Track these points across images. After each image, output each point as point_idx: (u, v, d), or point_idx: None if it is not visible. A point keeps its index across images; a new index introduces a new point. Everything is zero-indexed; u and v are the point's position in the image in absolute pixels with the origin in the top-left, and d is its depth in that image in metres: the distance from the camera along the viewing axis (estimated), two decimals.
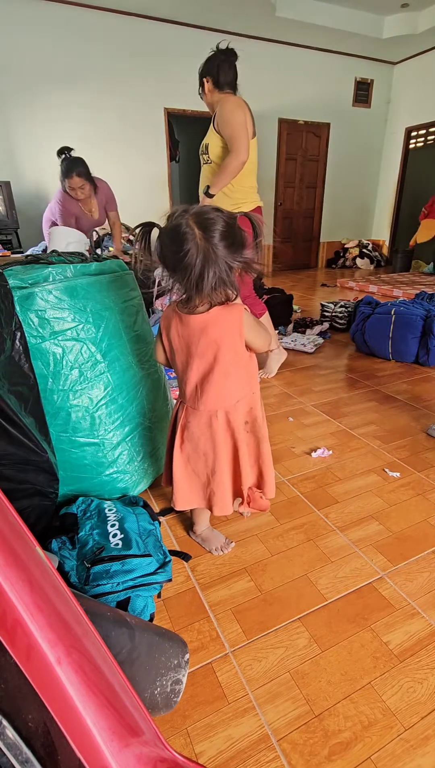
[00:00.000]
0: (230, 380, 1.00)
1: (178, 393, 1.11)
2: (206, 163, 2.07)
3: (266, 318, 2.28)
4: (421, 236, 5.28)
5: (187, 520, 1.33)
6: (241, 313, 0.94)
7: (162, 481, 1.20)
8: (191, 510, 1.24)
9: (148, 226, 0.88)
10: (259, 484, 1.16)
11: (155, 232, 0.89)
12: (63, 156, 2.72)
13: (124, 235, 4.37)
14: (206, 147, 2.05)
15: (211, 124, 2.03)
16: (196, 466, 1.10)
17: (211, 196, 1.99)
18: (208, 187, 1.99)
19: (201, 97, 2.11)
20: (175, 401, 1.90)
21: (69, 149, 2.70)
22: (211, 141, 2.03)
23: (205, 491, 1.12)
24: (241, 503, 1.17)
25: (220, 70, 2.03)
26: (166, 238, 0.85)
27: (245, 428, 1.08)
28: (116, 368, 1.28)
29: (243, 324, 0.94)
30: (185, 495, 1.13)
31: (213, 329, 0.93)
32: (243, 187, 2.07)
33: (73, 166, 2.69)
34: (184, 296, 0.92)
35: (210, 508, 1.12)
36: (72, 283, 1.17)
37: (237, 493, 1.14)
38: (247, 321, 0.95)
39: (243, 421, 1.07)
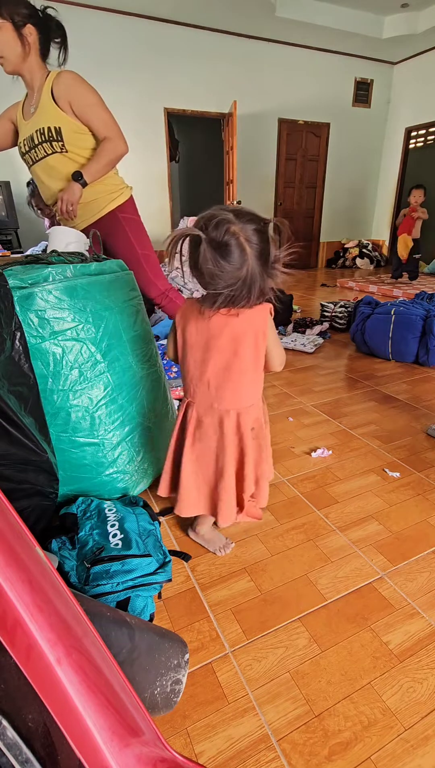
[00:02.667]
0: (246, 380, 1.00)
1: (183, 392, 1.10)
2: (59, 152, 1.60)
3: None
4: (401, 251, 5.28)
5: (187, 520, 1.33)
6: (266, 313, 0.94)
7: (160, 490, 1.15)
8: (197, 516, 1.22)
9: (188, 235, 0.83)
10: (254, 493, 1.15)
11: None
12: (28, 184, 2.83)
13: None
14: (56, 132, 1.56)
15: (51, 100, 1.55)
16: (207, 469, 1.08)
17: (85, 184, 1.59)
18: (80, 173, 1.58)
19: None
20: (175, 401, 1.91)
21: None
22: (64, 124, 1.57)
23: (213, 496, 1.10)
24: (239, 511, 1.15)
25: (51, 31, 1.55)
26: (216, 251, 0.81)
27: (252, 434, 1.07)
28: (116, 368, 1.28)
29: (267, 324, 0.95)
30: (192, 500, 1.10)
31: (238, 324, 0.93)
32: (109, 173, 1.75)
33: (32, 194, 2.81)
34: (220, 304, 0.89)
35: (214, 515, 1.11)
36: (72, 283, 1.17)
37: (237, 500, 1.12)
38: (271, 325, 0.96)
39: (250, 426, 1.06)
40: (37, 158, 1.64)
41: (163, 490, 1.16)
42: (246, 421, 1.04)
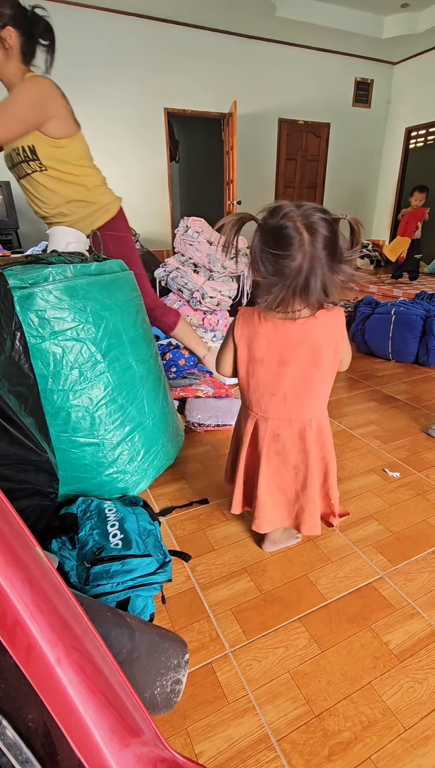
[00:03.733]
0: (326, 388, 0.97)
1: (248, 407, 1.03)
2: (39, 171, 1.51)
3: (184, 324, 2.05)
4: (391, 253, 5.21)
5: (187, 520, 1.33)
6: (343, 318, 0.91)
7: (233, 508, 1.13)
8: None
9: (244, 219, 0.81)
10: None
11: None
12: None
13: None
14: (31, 151, 1.47)
15: None
16: (283, 483, 1.05)
17: None
18: None
19: None
20: (175, 402, 1.91)
21: None
22: (36, 141, 1.47)
23: (292, 508, 1.07)
24: (332, 516, 1.13)
25: (38, 33, 1.43)
26: (270, 237, 0.78)
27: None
28: (116, 368, 1.28)
29: (344, 330, 0.92)
30: (270, 514, 1.07)
31: (318, 333, 0.89)
32: (97, 185, 1.65)
33: None
34: (278, 300, 0.83)
35: (297, 526, 1.08)
36: (72, 283, 1.17)
37: (324, 507, 1.09)
38: (345, 330, 0.93)
39: (330, 433, 1.03)
40: (20, 175, 1.57)
41: (236, 508, 1.13)
42: (325, 428, 1.01)
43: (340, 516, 1.14)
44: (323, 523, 1.14)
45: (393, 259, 5.19)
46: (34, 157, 1.49)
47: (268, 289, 0.83)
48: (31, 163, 1.50)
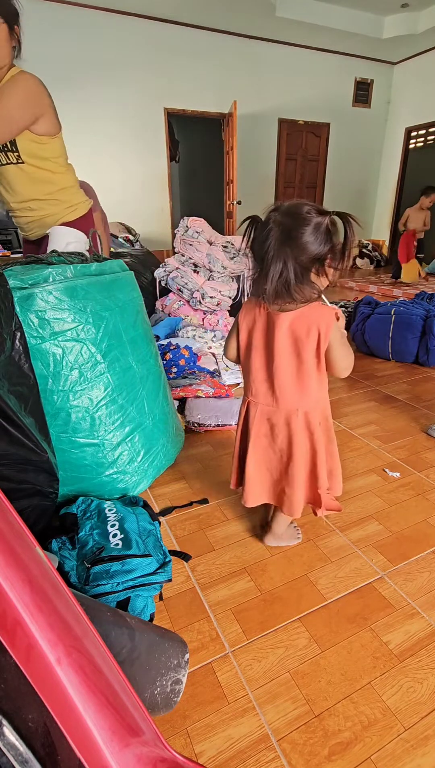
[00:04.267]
0: (311, 382, 0.99)
1: (244, 391, 1.10)
2: (14, 163, 1.50)
3: None
4: (407, 277, 5.26)
5: (187, 520, 1.33)
6: (331, 317, 0.92)
7: (231, 484, 1.19)
8: (273, 517, 1.22)
9: (253, 221, 0.87)
10: (329, 485, 1.14)
11: None
12: None
13: (123, 234, 4.37)
14: (10, 142, 1.47)
15: None
16: (270, 463, 1.10)
17: None
18: None
19: None
20: (175, 401, 1.91)
21: None
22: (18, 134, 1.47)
23: (276, 488, 1.12)
24: (316, 506, 1.14)
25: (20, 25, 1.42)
26: (256, 232, 0.87)
27: (320, 429, 1.06)
28: (116, 369, 1.28)
29: (331, 329, 0.92)
30: (256, 491, 1.12)
31: (299, 326, 0.93)
32: (68, 186, 1.66)
33: None
34: (255, 290, 0.91)
35: (279, 506, 1.12)
36: (72, 283, 1.17)
37: (310, 495, 1.12)
38: (338, 331, 0.94)
39: (319, 422, 1.05)
40: None
41: (232, 483, 1.20)
42: (315, 418, 1.04)
43: (328, 509, 1.15)
44: (312, 511, 1.16)
45: (416, 281, 5.23)
46: (14, 149, 1.48)
47: (256, 282, 0.90)
48: (9, 154, 1.49)
